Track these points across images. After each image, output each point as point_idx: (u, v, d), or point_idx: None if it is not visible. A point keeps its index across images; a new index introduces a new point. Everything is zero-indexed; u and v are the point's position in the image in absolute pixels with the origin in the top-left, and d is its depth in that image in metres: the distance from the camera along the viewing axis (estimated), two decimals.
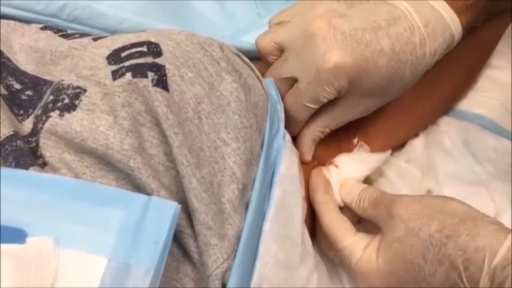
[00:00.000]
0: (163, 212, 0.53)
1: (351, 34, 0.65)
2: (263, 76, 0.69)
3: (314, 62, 0.65)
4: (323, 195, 0.71)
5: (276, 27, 0.71)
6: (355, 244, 0.67)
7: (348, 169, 0.74)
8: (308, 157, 0.73)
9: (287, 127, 0.69)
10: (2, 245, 0.49)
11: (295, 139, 0.72)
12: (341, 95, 0.68)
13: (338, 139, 0.76)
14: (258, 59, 0.72)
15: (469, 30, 0.71)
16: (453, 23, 0.68)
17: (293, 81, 0.68)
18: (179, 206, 0.54)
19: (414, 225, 0.63)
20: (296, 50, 0.67)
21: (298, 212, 0.65)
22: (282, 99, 0.69)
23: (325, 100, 0.68)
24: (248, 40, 0.76)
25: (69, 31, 0.72)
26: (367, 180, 0.78)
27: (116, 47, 0.63)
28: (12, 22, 0.71)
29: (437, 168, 0.84)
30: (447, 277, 0.60)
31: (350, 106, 0.70)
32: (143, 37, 0.63)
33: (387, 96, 0.71)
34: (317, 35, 0.65)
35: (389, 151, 0.80)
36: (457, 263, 0.59)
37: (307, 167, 0.73)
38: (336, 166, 0.74)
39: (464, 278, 0.59)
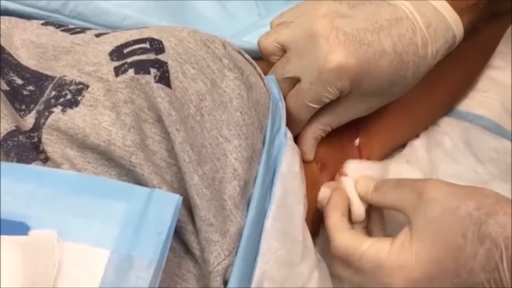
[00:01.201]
0: (165, 204, 0.53)
1: (353, 35, 0.65)
2: (265, 71, 0.70)
3: (316, 62, 0.65)
4: (339, 217, 0.68)
5: (278, 27, 0.71)
6: (377, 244, 0.64)
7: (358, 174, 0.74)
8: (310, 156, 0.73)
9: (288, 127, 0.69)
10: (9, 236, 0.49)
11: (296, 138, 0.72)
12: (343, 95, 0.68)
13: (340, 139, 0.76)
14: (259, 59, 0.72)
15: (470, 31, 0.71)
16: (455, 24, 0.69)
17: (295, 81, 0.69)
18: (181, 198, 0.55)
19: (451, 204, 0.60)
20: (298, 50, 0.67)
21: (299, 209, 0.65)
22: (284, 99, 0.69)
23: (327, 100, 0.68)
24: (250, 41, 0.77)
25: (71, 26, 0.72)
26: None
27: (118, 43, 0.64)
28: (13, 18, 0.71)
29: (438, 169, 0.84)
30: (488, 259, 0.58)
31: (351, 106, 0.70)
32: (145, 34, 0.64)
33: (389, 96, 0.71)
34: (319, 35, 0.65)
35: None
36: (499, 241, 0.58)
37: (309, 166, 0.73)
38: (346, 175, 0.73)
39: (504, 259, 0.57)
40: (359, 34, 0.65)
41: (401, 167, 0.84)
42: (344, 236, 0.66)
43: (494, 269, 0.58)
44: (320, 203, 0.72)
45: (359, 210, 0.69)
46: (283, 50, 0.70)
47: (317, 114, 0.71)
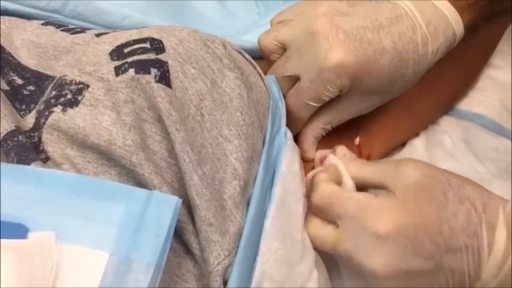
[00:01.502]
0: (164, 206, 0.53)
1: (353, 33, 0.65)
2: (265, 70, 0.70)
3: (316, 61, 0.65)
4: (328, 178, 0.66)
5: (278, 25, 0.71)
6: (361, 196, 0.62)
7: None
8: (310, 154, 0.73)
9: (288, 125, 0.69)
10: (4, 240, 0.49)
11: (296, 138, 0.72)
12: (343, 93, 0.68)
13: (341, 139, 0.76)
14: (260, 58, 0.72)
15: (471, 30, 0.71)
16: (455, 22, 0.69)
17: (295, 79, 0.69)
18: (180, 200, 0.55)
19: (429, 172, 0.61)
20: (298, 48, 0.67)
21: (299, 209, 0.65)
22: (284, 97, 0.69)
23: (327, 99, 0.68)
24: (250, 40, 0.77)
25: (71, 26, 0.72)
26: None
27: (119, 43, 0.64)
28: (13, 18, 0.71)
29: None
30: (467, 221, 0.59)
31: (352, 104, 0.70)
32: (146, 33, 0.64)
33: (389, 94, 0.71)
34: (319, 33, 0.65)
35: None
36: (477, 204, 0.59)
37: (309, 165, 0.73)
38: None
39: (483, 222, 0.58)
40: (359, 32, 0.65)
41: None
42: (330, 185, 0.64)
43: (473, 233, 0.59)
44: (308, 181, 0.69)
45: (349, 181, 0.67)
46: (283, 49, 0.70)
47: (317, 112, 0.71)
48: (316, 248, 0.66)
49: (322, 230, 0.64)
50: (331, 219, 0.64)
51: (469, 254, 0.59)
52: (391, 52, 0.66)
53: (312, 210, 0.65)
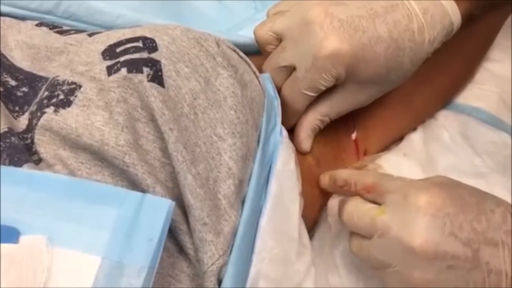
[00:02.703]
0: (157, 209, 0.53)
1: (348, 21, 0.65)
2: (261, 66, 0.70)
3: (311, 49, 0.65)
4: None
5: (274, 16, 0.71)
6: (409, 178, 0.65)
7: None
8: (306, 146, 0.72)
9: (284, 117, 0.69)
10: None
11: (292, 133, 0.72)
12: (339, 83, 0.68)
13: (337, 135, 0.76)
14: (255, 54, 0.72)
15: (468, 20, 0.71)
16: (452, 11, 0.68)
17: (291, 70, 0.69)
18: (173, 203, 0.54)
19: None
20: (293, 38, 0.67)
21: (295, 207, 0.65)
22: (280, 89, 0.70)
23: (323, 88, 0.68)
24: (245, 35, 0.76)
25: (65, 27, 0.72)
26: None
27: (111, 42, 0.63)
28: (7, 19, 0.71)
29: (436, 161, 0.84)
30: (504, 219, 0.60)
31: (349, 94, 0.70)
32: (138, 32, 0.63)
33: (387, 84, 0.71)
34: (314, 22, 0.65)
35: None
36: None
37: (305, 161, 0.73)
38: None
39: None
40: (353, 21, 0.65)
41: (398, 160, 0.83)
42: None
43: (509, 232, 0.59)
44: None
45: None
46: (279, 39, 0.70)
47: (315, 104, 0.71)
48: (314, 245, 0.66)
49: (364, 206, 0.65)
50: (377, 198, 0.64)
51: (505, 252, 0.58)
52: (386, 40, 0.66)
53: (358, 192, 0.67)
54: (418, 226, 0.59)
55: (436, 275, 0.59)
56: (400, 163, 0.83)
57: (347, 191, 0.68)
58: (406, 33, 0.66)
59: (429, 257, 0.59)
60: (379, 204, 0.64)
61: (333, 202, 0.71)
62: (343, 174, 0.69)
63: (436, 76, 0.81)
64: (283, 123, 0.69)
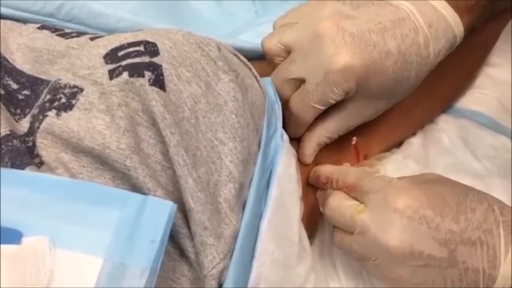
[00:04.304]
0: (159, 211, 0.53)
1: (359, 36, 0.65)
2: (262, 71, 0.70)
3: (322, 63, 0.65)
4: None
5: (282, 28, 0.71)
6: (389, 177, 0.65)
7: None
8: (310, 160, 0.73)
9: (292, 129, 0.70)
10: None
11: (295, 140, 0.72)
12: (349, 97, 0.68)
13: (338, 140, 0.76)
14: (256, 59, 0.72)
15: (470, 31, 0.71)
16: (455, 24, 0.69)
17: (299, 82, 0.69)
18: (175, 206, 0.55)
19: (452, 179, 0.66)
20: (303, 51, 0.67)
21: (296, 211, 0.65)
22: (288, 100, 0.70)
23: (333, 102, 0.68)
24: (246, 39, 0.77)
25: (67, 31, 0.72)
26: None
27: (113, 46, 0.63)
28: (9, 22, 0.71)
29: (435, 164, 0.84)
30: (485, 217, 0.60)
31: (358, 109, 0.71)
32: (140, 37, 0.63)
33: (394, 98, 0.71)
34: (325, 36, 0.65)
35: None
36: (495, 207, 0.61)
37: (305, 168, 0.73)
38: None
39: (500, 221, 0.60)
40: (364, 35, 0.65)
41: (398, 163, 0.84)
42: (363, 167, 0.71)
43: (490, 231, 0.59)
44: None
45: None
46: (287, 52, 0.70)
47: (323, 121, 0.71)
48: (314, 250, 0.66)
49: (346, 202, 0.65)
50: (358, 196, 0.65)
51: (483, 250, 0.59)
52: (395, 54, 0.66)
53: (341, 188, 0.68)
54: (394, 228, 0.60)
55: (413, 272, 0.61)
56: (398, 163, 0.83)
57: (331, 187, 0.69)
58: (413, 47, 0.67)
59: (405, 256, 0.60)
60: (360, 201, 0.65)
61: (321, 194, 0.71)
62: (326, 170, 0.71)
63: (437, 84, 0.81)
64: (289, 134, 0.69)
